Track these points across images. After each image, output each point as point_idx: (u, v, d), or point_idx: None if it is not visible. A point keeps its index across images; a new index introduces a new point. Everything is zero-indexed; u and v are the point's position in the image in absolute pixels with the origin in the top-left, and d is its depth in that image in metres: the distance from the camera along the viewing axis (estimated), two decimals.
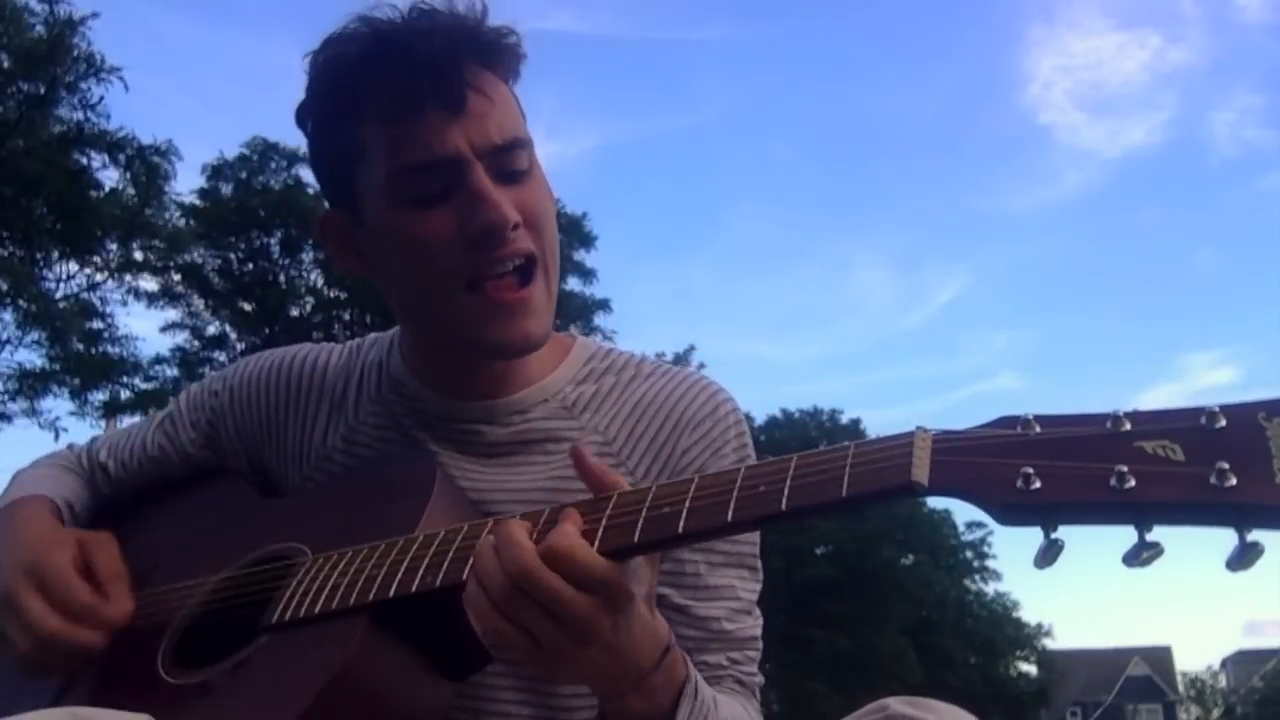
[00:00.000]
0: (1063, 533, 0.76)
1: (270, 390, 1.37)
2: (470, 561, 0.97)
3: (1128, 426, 0.77)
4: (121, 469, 1.43)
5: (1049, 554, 0.76)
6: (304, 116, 1.24)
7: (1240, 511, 0.69)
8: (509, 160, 1.16)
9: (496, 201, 1.13)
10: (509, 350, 1.20)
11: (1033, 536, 0.78)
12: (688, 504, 0.91)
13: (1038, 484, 0.76)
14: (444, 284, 1.16)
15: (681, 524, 0.90)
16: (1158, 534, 0.73)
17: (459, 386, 1.27)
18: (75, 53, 11.86)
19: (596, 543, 0.92)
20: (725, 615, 1.21)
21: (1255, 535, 0.70)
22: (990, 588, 34.79)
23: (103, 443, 1.48)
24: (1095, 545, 0.82)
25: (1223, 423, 0.74)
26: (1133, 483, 0.73)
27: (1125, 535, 0.75)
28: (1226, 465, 0.70)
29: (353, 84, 1.15)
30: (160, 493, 1.43)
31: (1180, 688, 52.27)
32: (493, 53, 1.18)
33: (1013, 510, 0.77)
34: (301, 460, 1.33)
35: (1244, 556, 0.69)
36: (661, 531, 0.92)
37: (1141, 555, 0.73)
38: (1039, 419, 0.81)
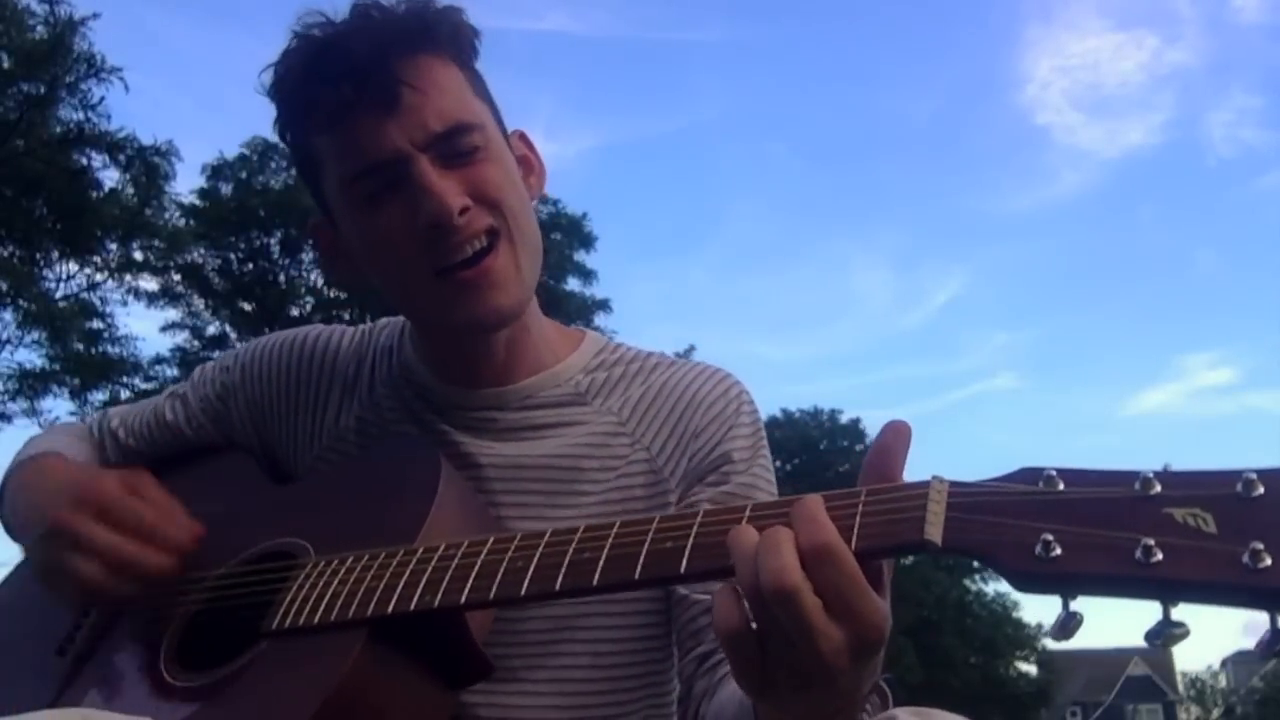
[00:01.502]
0: (1082, 602, 0.73)
1: (282, 369, 1.37)
2: (469, 581, 0.94)
3: (1157, 489, 0.72)
4: (132, 437, 1.44)
5: (1068, 626, 0.72)
6: (278, 133, 1.27)
7: (1275, 597, 0.65)
8: (455, 144, 1.16)
9: (439, 192, 1.13)
10: (481, 325, 1.20)
11: None
12: (692, 539, 0.87)
13: (1058, 551, 0.72)
14: (413, 275, 1.18)
15: (684, 564, 0.87)
16: (1183, 611, 0.69)
17: (466, 374, 1.27)
18: (75, 53, 11.84)
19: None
20: None
21: None
22: (990, 588, 34.75)
23: (115, 413, 1.48)
24: None
25: (1259, 490, 0.69)
26: (1160, 556, 0.68)
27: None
28: (1261, 545, 0.65)
29: (293, 101, 1.19)
30: (167, 468, 1.41)
31: (1180, 688, 52.24)
32: (428, 38, 1.18)
33: (1030, 578, 0.73)
34: (313, 442, 1.33)
35: (1278, 643, 0.65)
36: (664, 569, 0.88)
37: (1165, 634, 0.69)
38: (1062, 474, 0.76)
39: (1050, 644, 37.60)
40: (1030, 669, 37.00)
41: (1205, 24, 77.30)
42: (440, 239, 1.14)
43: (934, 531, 0.77)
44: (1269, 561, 0.65)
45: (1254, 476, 0.70)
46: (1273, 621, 0.65)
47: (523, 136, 1.31)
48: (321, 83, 1.15)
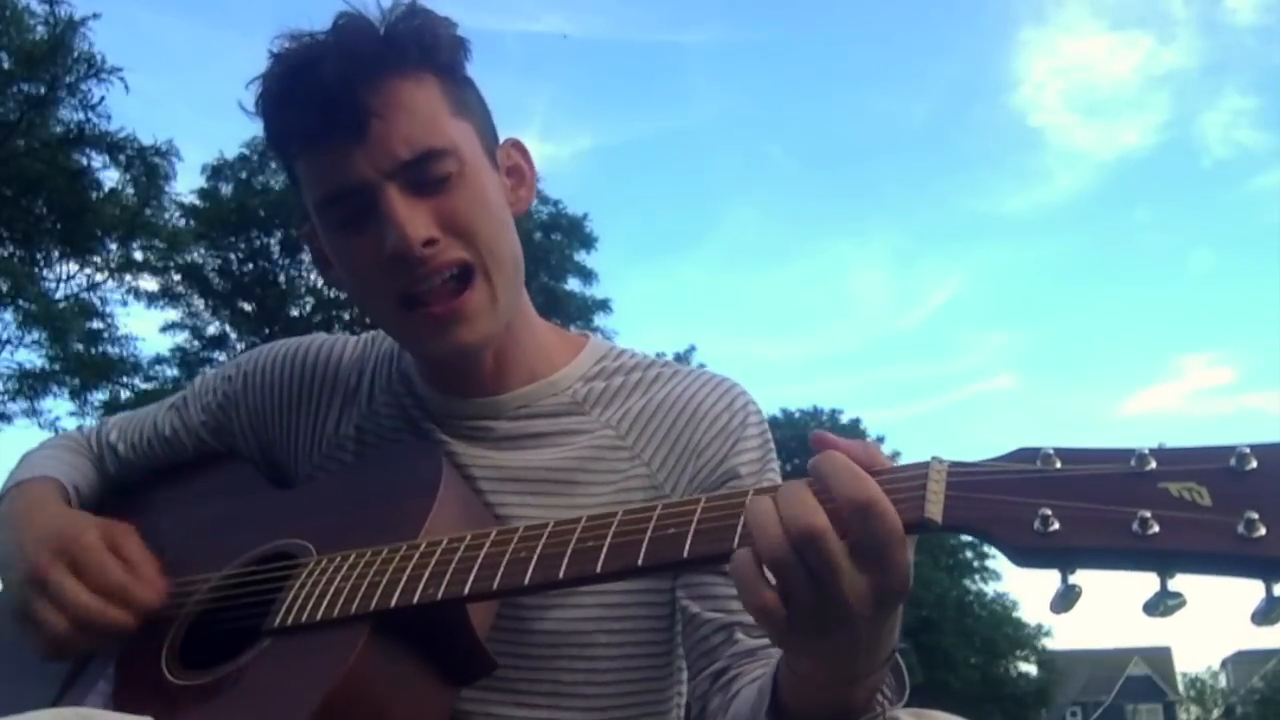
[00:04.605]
0: (1081, 576, 0.74)
1: (284, 379, 1.37)
2: (473, 573, 0.95)
3: (1152, 465, 0.74)
4: (131, 450, 1.43)
5: (1067, 599, 0.73)
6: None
7: (1269, 566, 0.66)
8: (425, 171, 1.14)
9: (401, 222, 1.12)
10: (447, 360, 1.21)
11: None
12: (694, 524, 0.88)
13: (1056, 526, 0.73)
14: (381, 302, 1.19)
15: (687, 549, 0.88)
16: (1180, 582, 0.70)
17: (458, 384, 1.27)
18: (75, 53, 11.82)
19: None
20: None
21: None
22: (990, 588, 34.74)
23: (114, 424, 1.48)
24: None
25: (1253, 464, 0.71)
26: (1156, 529, 0.70)
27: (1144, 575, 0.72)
28: (1256, 515, 0.67)
29: (270, 124, 1.20)
30: (168, 476, 1.43)
31: (1180, 688, 52.22)
32: (402, 57, 1.16)
33: (1029, 553, 0.74)
34: (313, 450, 1.33)
35: (1271, 612, 0.66)
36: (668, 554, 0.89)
37: (1162, 605, 0.70)
38: (1059, 453, 0.78)
39: (1049, 643, 37.65)
40: (1030, 669, 36.98)
41: (1199, 25, 77.43)
42: (405, 269, 1.14)
43: (934, 510, 0.79)
44: (1263, 531, 0.67)
45: (1247, 450, 0.71)
46: (1268, 590, 0.66)
47: (516, 145, 1.30)
48: (291, 110, 1.16)
